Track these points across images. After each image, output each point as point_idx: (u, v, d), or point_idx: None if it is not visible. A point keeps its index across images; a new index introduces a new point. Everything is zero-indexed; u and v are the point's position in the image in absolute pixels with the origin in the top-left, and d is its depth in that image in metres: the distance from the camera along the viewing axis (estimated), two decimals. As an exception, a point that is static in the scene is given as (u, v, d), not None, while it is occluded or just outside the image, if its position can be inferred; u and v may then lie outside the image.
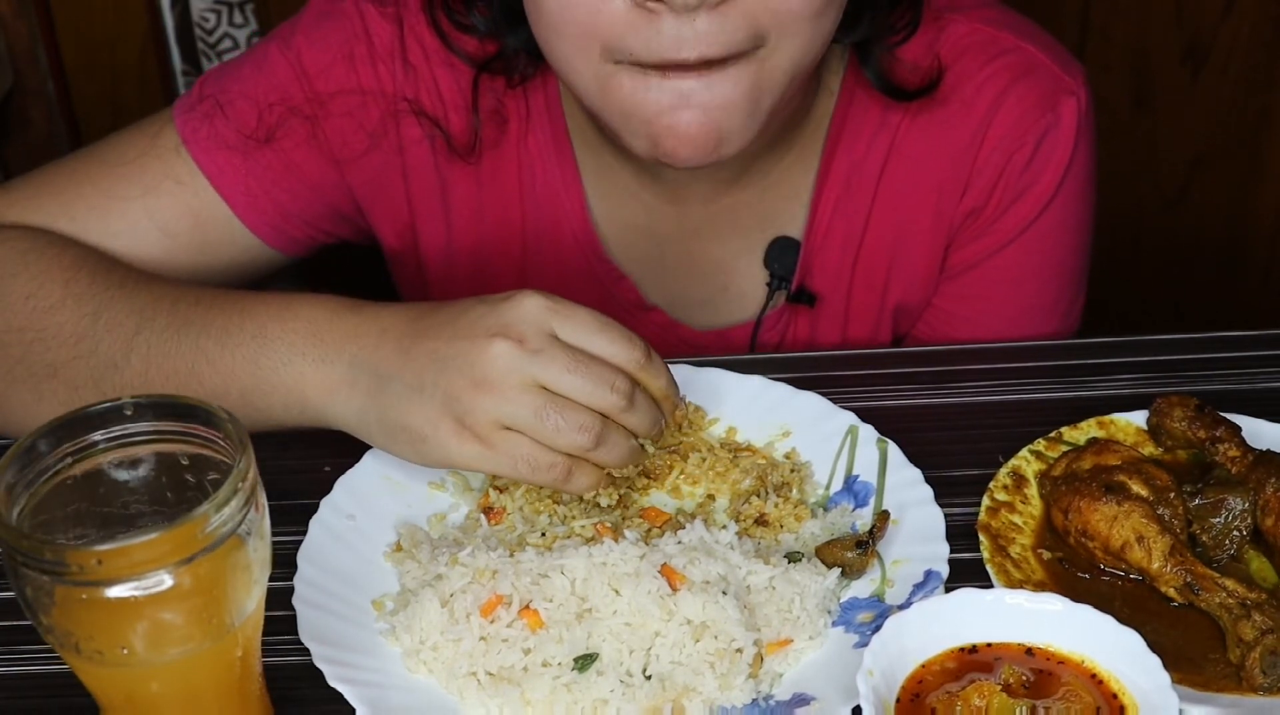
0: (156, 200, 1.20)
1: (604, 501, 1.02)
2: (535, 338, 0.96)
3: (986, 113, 1.22)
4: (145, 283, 1.12)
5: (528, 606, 0.93)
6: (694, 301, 1.32)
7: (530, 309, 0.97)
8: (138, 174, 1.20)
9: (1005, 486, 1.04)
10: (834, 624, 0.96)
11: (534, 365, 0.96)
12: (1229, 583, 0.93)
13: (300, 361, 1.02)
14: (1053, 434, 1.08)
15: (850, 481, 1.07)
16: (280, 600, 0.93)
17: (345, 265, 1.69)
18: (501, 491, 1.04)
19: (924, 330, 1.33)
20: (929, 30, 1.22)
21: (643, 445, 1.03)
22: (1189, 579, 0.95)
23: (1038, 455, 1.06)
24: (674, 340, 1.32)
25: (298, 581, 0.97)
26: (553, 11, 1.05)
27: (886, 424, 1.09)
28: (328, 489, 1.05)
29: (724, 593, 0.92)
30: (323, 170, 1.24)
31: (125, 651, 0.77)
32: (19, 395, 1.10)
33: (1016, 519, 1.02)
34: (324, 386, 1.01)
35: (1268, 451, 1.03)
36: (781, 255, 1.28)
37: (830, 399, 1.12)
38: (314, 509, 1.03)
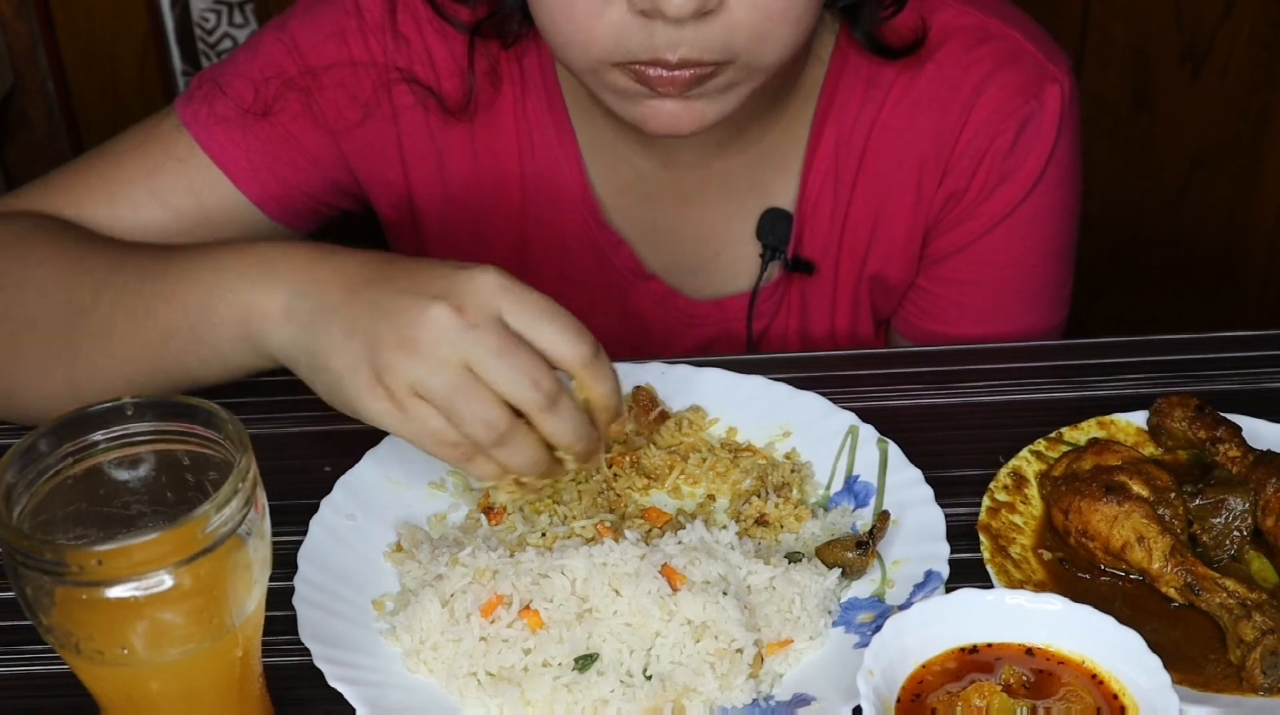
0: (160, 181, 1.22)
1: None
2: (476, 312, 0.92)
3: (970, 96, 1.24)
4: (130, 242, 1.13)
5: (528, 607, 0.93)
6: (686, 268, 1.33)
7: (484, 283, 0.94)
8: (140, 158, 1.22)
9: (1006, 487, 1.04)
10: (834, 624, 0.96)
11: (464, 339, 0.92)
12: (1229, 583, 0.93)
13: (249, 289, 1.00)
14: (1053, 434, 1.08)
15: (850, 482, 1.07)
16: (280, 600, 0.93)
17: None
18: None
19: (912, 312, 1.34)
20: (916, 9, 1.24)
21: (563, 460, 0.97)
22: (1189, 579, 0.95)
23: (1038, 455, 1.06)
24: (671, 310, 1.33)
25: (298, 581, 0.97)
26: (556, 10, 1.08)
27: (887, 424, 1.09)
28: (328, 489, 1.05)
29: (724, 593, 0.92)
30: (320, 142, 1.25)
31: (125, 651, 0.77)
32: (1, 352, 1.10)
33: (1017, 519, 1.02)
34: (265, 313, 1.00)
35: (1268, 452, 1.03)
36: (774, 227, 1.29)
37: (830, 399, 1.12)
38: (314, 509, 1.03)
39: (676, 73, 1.07)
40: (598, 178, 1.30)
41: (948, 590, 0.93)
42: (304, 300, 0.98)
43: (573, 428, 0.94)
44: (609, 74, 1.09)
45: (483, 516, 1.04)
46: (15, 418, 1.14)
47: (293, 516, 1.01)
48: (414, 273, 0.97)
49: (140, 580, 0.75)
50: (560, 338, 0.93)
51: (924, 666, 0.85)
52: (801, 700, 0.90)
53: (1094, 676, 0.84)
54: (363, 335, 0.94)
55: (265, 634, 0.86)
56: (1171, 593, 0.95)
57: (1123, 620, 0.85)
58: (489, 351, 0.91)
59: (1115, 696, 0.83)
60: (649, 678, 0.90)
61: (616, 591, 0.92)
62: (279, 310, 0.99)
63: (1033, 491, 1.04)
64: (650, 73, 1.07)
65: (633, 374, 1.15)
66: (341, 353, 0.95)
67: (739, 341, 1.34)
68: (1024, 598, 0.87)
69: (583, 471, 1.02)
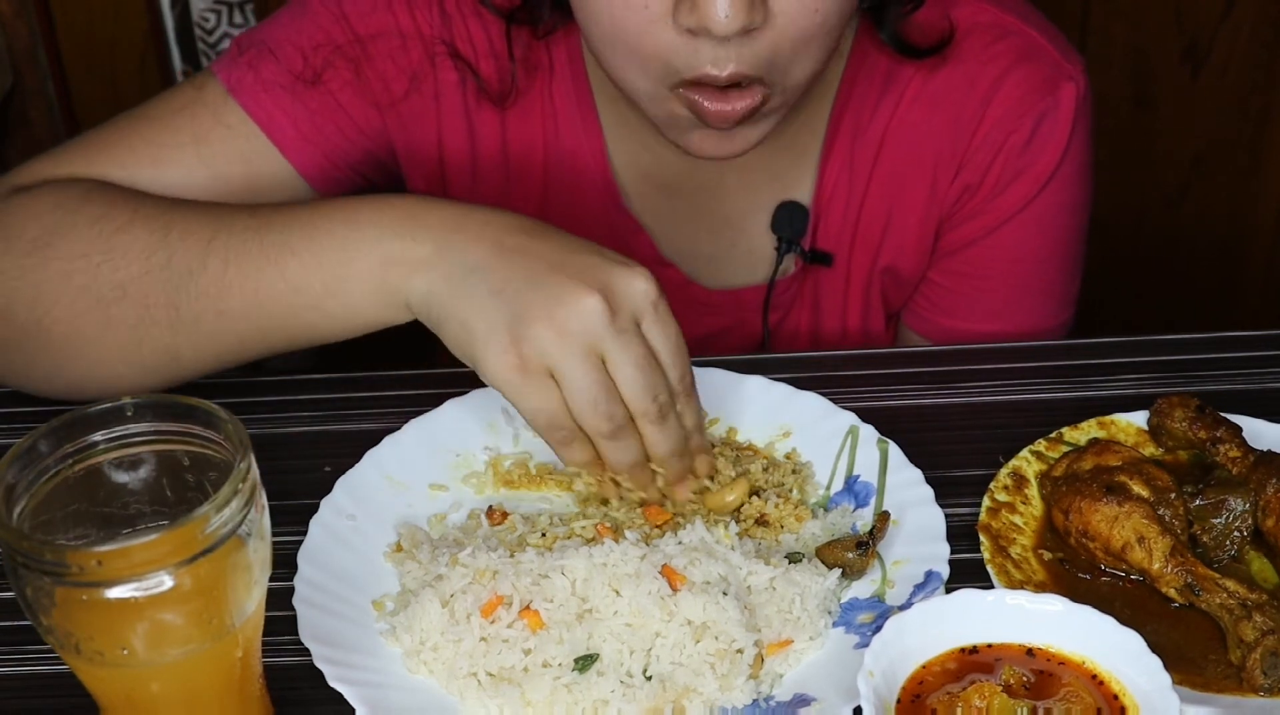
0: (209, 148, 1.20)
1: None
2: (627, 317, 0.97)
3: (987, 92, 1.25)
4: (219, 203, 1.12)
5: (528, 607, 0.93)
6: (701, 257, 1.34)
7: (639, 288, 0.98)
8: (187, 123, 1.21)
9: (1006, 487, 1.04)
10: (834, 624, 0.96)
11: (612, 341, 0.96)
12: (1230, 583, 0.93)
13: (390, 241, 1.01)
14: (1053, 434, 1.08)
15: (851, 482, 1.07)
16: (280, 600, 0.93)
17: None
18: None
19: (922, 305, 1.35)
20: (938, 5, 1.25)
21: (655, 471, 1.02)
22: (1190, 580, 0.94)
23: (1038, 455, 1.06)
24: (686, 299, 1.33)
25: (298, 581, 0.97)
26: (605, 27, 1.09)
27: (887, 424, 1.09)
28: (328, 489, 1.04)
29: (724, 593, 0.92)
30: (366, 115, 1.25)
31: (125, 652, 0.77)
32: (85, 327, 1.07)
33: (1017, 519, 1.02)
34: (407, 263, 1.00)
35: (1268, 452, 1.03)
36: (790, 220, 1.30)
37: (831, 399, 1.12)
38: (314, 509, 1.03)
39: (732, 107, 1.08)
40: (619, 164, 1.30)
41: (948, 591, 0.93)
42: (450, 252, 0.99)
43: (674, 443, 1.00)
44: (669, 103, 1.11)
45: (483, 517, 1.04)
46: (93, 397, 1.11)
47: (293, 516, 1.01)
48: (572, 252, 0.99)
49: (140, 581, 0.75)
50: (675, 369, 1.00)
51: (924, 667, 0.85)
52: (802, 701, 0.90)
53: (1094, 677, 0.84)
54: (511, 298, 0.96)
55: (265, 634, 0.86)
56: (1172, 593, 0.95)
57: (1123, 621, 0.85)
58: (630, 361, 0.97)
59: (1116, 697, 0.83)
60: (649, 678, 0.90)
61: (616, 592, 0.92)
62: (422, 260, 1.00)
63: (1033, 492, 1.04)
64: (709, 107, 1.08)
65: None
66: (484, 310, 0.97)
67: (751, 332, 1.34)
68: (1024, 598, 0.87)
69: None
